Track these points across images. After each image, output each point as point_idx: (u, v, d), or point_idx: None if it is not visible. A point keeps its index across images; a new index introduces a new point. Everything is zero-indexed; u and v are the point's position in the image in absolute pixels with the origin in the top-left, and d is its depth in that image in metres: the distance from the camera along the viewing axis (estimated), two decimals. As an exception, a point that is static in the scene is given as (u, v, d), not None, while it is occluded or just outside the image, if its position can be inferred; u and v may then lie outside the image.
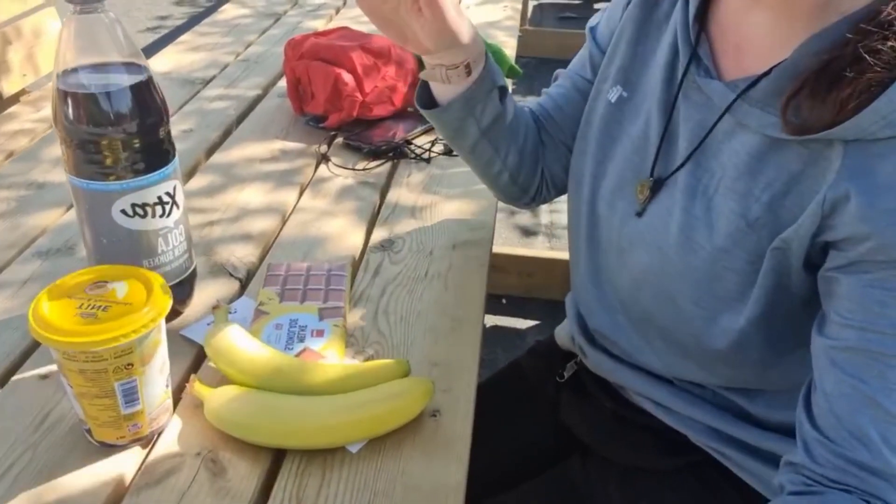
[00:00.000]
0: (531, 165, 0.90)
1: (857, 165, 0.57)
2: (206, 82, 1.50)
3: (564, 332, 0.97)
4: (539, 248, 2.41)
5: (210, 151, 1.24)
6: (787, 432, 0.76)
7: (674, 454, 0.84)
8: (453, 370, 0.77)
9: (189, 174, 1.17)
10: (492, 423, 0.90)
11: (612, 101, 0.79)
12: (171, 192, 0.76)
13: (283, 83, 1.46)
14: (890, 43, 0.54)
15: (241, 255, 0.96)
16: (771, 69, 0.62)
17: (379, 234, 1.01)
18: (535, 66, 3.51)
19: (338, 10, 1.95)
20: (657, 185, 0.72)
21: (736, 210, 0.65)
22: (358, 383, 0.70)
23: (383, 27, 0.75)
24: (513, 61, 1.42)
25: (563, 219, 2.50)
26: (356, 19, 1.85)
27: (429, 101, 0.84)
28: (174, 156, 0.76)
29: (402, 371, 0.72)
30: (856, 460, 0.56)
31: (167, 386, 0.68)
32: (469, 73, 0.78)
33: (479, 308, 0.87)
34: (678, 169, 0.70)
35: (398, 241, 0.99)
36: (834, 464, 0.57)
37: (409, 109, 1.35)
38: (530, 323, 2.08)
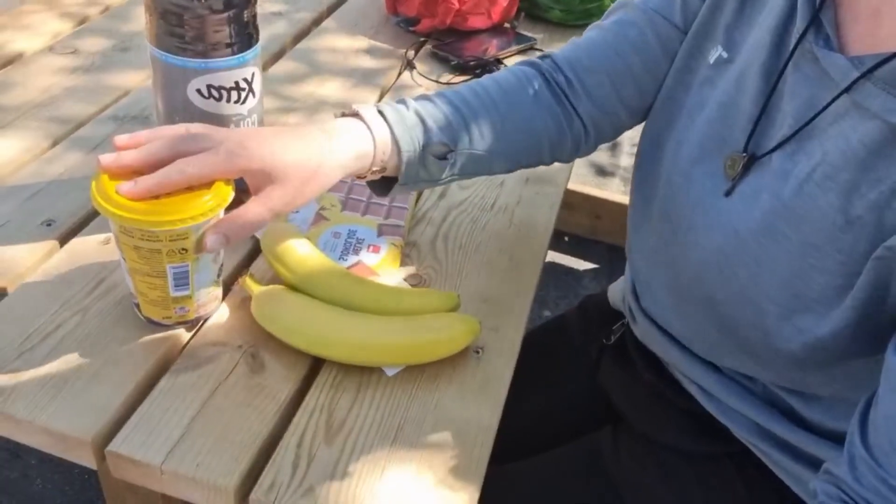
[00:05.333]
0: (548, 145, 0.78)
1: None
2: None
3: (618, 290, 0.93)
4: (612, 191, 2.34)
5: (297, 38, 1.21)
6: (838, 440, 0.72)
7: (711, 440, 0.80)
8: (503, 310, 0.75)
9: (274, 58, 1.15)
10: (527, 378, 0.86)
11: (711, 61, 0.70)
12: (249, 78, 0.74)
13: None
14: None
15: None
16: None
17: (452, 155, 0.98)
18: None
19: None
20: (750, 163, 0.65)
21: (835, 204, 0.58)
22: (405, 308, 0.68)
23: None
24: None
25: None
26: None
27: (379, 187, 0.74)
28: (257, 41, 0.74)
29: (451, 304, 0.70)
30: None
31: (219, 276, 0.68)
32: (385, 169, 0.69)
33: (541, 251, 0.84)
34: (776, 148, 0.62)
35: (471, 164, 0.96)
36: (876, 488, 0.54)
37: (506, 25, 1.29)
38: (588, 266, 2.04)
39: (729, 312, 0.68)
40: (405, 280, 0.77)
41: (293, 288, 0.69)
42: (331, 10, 1.31)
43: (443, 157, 0.71)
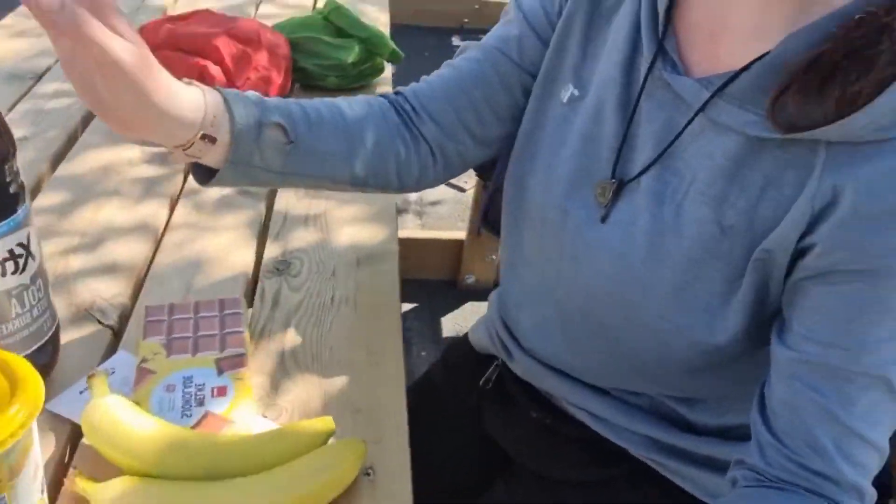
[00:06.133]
0: (394, 163, 0.76)
1: (840, 169, 0.54)
2: (39, 76, 1.30)
3: (482, 333, 0.91)
4: (410, 227, 2.33)
5: (55, 162, 1.07)
6: (725, 436, 0.76)
7: (606, 465, 0.81)
8: (380, 416, 0.69)
9: (32, 192, 1.00)
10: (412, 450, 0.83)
11: (564, 100, 0.73)
12: (25, 241, 0.63)
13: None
14: (886, 44, 0.51)
15: (109, 294, 0.83)
16: (750, 64, 0.58)
17: (271, 252, 0.90)
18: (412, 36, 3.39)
19: (186, -17, 1.75)
20: (619, 188, 0.67)
21: (709, 216, 0.61)
22: (278, 455, 0.60)
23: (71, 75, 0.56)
24: (391, 41, 1.32)
25: (431, 194, 2.43)
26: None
27: (203, 172, 0.68)
28: (24, 198, 0.62)
29: (326, 431, 0.63)
30: (809, 467, 0.57)
31: (42, 492, 0.56)
32: (214, 141, 0.63)
33: (397, 336, 0.79)
34: (644, 171, 0.65)
35: (295, 261, 0.89)
36: (787, 468, 0.58)
37: (284, 100, 1.23)
38: (408, 306, 2.01)
39: (623, 336, 0.69)
40: (265, 417, 0.69)
41: (138, 474, 0.59)
42: (87, 121, 1.17)
43: (283, 145, 0.67)
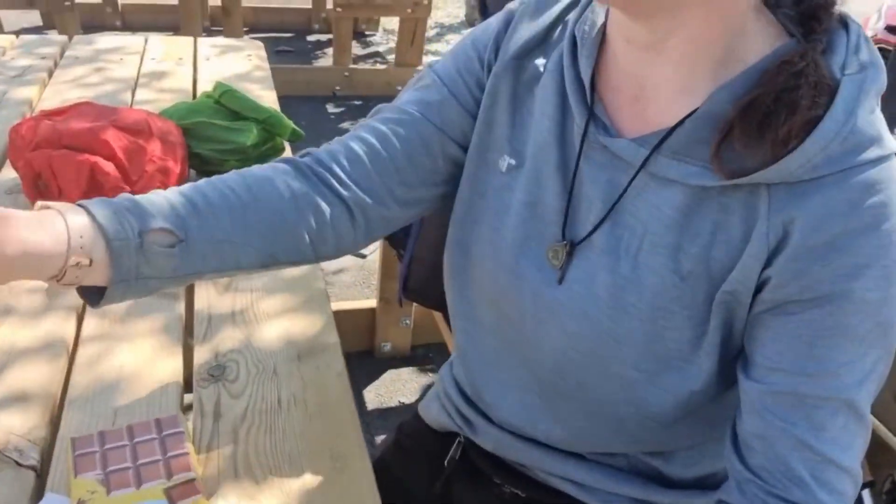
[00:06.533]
0: (305, 232, 0.72)
1: (784, 208, 0.57)
2: None
3: (436, 410, 0.88)
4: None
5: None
6: (702, 486, 0.76)
7: None
8: (359, 525, 0.64)
9: None
10: None
11: (503, 170, 0.73)
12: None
13: (8, 175, 1.19)
14: (805, 88, 0.55)
15: (24, 429, 0.73)
16: (683, 120, 0.60)
17: (201, 358, 0.83)
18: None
19: (51, 73, 1.65)
20: (572, 249, 0.67)
21: (667, 265, 0.62)
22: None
23: None
24: (289, 120, 1.28)
25: (333, 264, 2.38)
26: (81, 83, 1.58)
27: (92, 293, 0.63)
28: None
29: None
30: (788, 499, 0.59)
31: None
32: (90, 263, 0.58)
33: (357, 434, 0.74)
34: (595, 229, 0.66)
35: (229, 364, 0.82)
36: (767, 502, 0.59)
37: (185, 189, 1.16)
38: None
39: (598, 394, 0.69)
40: (233, 548, 0.62)
41: None
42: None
43: (171, 247, 0.62)
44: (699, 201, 0.61)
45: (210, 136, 1.22)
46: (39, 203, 0.59)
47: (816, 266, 0.56)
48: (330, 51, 4.01)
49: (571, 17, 0.69)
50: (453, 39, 4.52)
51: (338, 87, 3.67)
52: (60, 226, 0.57)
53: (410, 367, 1.99)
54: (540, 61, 0.71)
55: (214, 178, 0.69)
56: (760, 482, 0.60)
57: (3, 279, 0.56)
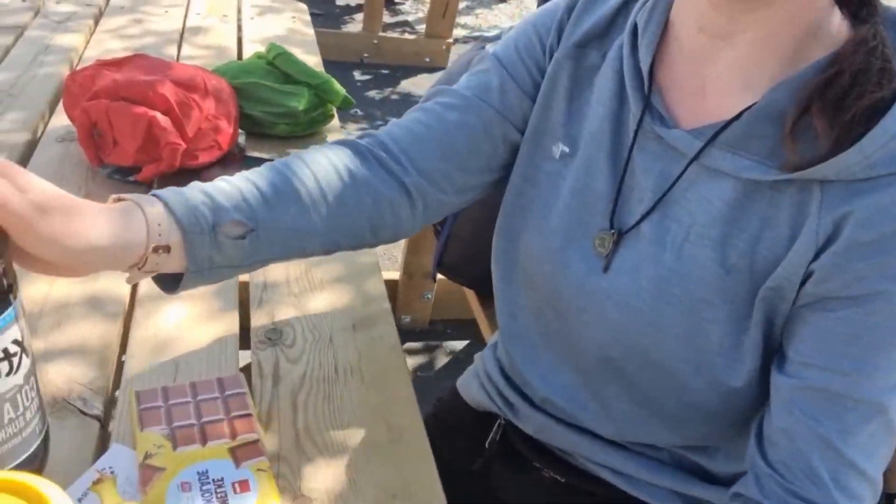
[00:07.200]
0: (366, 219, 0.72)
1: (837, 206, 0.57)
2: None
3: (475, 389, 0.88)
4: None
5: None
6: None
7: None
8: (420, 501, 0.65)
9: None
10: None
11: (557, 157, 0.73)
12: (20, 338, 0.55)
13: (59, 123, 1.19)
14: (873, 72, 0.56)
15: (86, 378, 0.74)
16: (740, 113, 0.60)
17: (258, 321, 0.84)
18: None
19: (97, 21, 1.64)
20: (619, 238, 0.68)
21: (713, 257, 0.62)
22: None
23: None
24: (340, 88, 1.27)
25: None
26: (122, 34, 1.57)
27: (168, 281, 0.64)
28: (15, 292, 0.54)
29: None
30: (805, 498, 0.59)
31: None
32: (169, 251, 0.59)
33: (413, 406, 0.75)
34: (644, 218, 0.66)
35: (286, 329, 0.83)
36: (783, 498, 0.60)
37: (235, 151, 1.16)
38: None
39: (642, 382, 0.69)
40: (296, 511, 0.63)
41: None
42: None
43: (241, 238, 0.62)
44: (749, 195, 0.61)
45: (262, 98, 1.21)
46: (113, 196, 0.60)
47: (861, 263, 0.56)
48: (358, 16, 3.97)
49: (636, 5, 0.69)
50: (483, 14, 4.48)
51: (366, 55, 3.64)
52: (139, 216, 0.57)
53: (427, 341, 2.00)
54: (601, 50, 0.71)
55: (277, 163, 0.69)
56: (779, 478, 0.60)
57: (88, 269, 0.58)
